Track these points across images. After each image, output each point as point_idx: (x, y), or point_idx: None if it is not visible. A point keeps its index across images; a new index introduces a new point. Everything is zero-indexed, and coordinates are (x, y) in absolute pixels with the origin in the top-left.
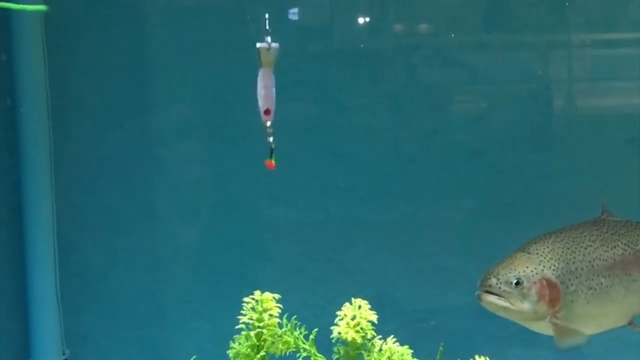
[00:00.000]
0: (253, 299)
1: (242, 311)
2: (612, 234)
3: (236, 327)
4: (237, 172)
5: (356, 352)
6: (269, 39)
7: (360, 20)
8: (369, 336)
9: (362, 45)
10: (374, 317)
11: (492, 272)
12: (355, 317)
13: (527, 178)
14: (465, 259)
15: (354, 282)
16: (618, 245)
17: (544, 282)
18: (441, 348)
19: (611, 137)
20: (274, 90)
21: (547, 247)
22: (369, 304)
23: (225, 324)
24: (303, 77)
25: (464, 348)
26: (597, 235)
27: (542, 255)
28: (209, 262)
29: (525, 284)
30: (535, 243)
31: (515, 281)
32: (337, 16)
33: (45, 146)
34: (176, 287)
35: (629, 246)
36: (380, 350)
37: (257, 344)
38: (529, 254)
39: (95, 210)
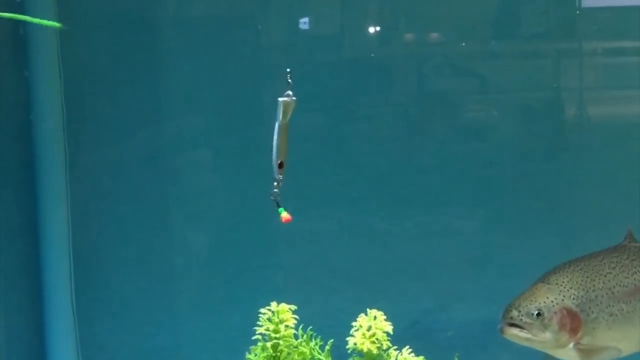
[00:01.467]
0: (269, 309)
1: (258, 322)
2: (632, 260)
3: (252, 337)
4: (250, 182)
5: None
6: (290, 92)
7: (371, 29)
8: (384, 347)
9: (372, 55)
10: (389, 328)
11: (514, 305)
12: (370, 327)
13: (541, 187)
14: (479, 269)
15: (367, 292)
16: (638, 272)
17: (565, 311)
18: (456, 358)
19: (624, 145)
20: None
21: (567, 276)
22: (383, 314)
23: (240, 334)
24: (314, 87)
25: (480, 359)
26: (616, 262)
27: (561, 285)
28: (223, 272)
29: (546, 314)
30: (555, 273)
31: (536, 312)
32: (348, 25)
33: (60, 157)
34: (191, 297)
35: None
36: None
37: (273, 354)
38: (548, 284)
39: (110, 220)
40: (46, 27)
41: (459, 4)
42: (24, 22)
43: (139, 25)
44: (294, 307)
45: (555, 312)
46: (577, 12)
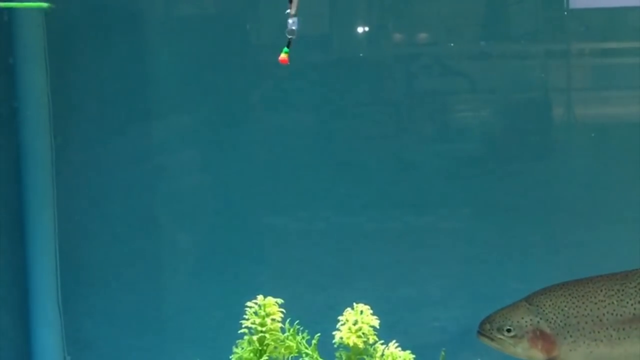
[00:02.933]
0: (256, 303)
1: (244, 316)
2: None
3: (239, 331)
4: (238, 180)
5: (358, 357)
6: None
7: (360, 29)
8: (370, 341)
9: (361, 54)
10: (375, 322)
11: (489, 318)
12: (357, 322)
13: (528, 186)
14: (466, 266)
15: (355, 289)
16: None
17: (538, 332)
18: (443, 353)
19: (610, 145)
20: None
21: (550, 299)
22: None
23: (227, 332)
24: (303, 85)
25: (466, 355)
26: (617, 289)
27: (541, 307)
28: (210, 269)
29: (517, 333)
30: (541, 294)
31: (507, 329)
32: (337, 25)
33: (47, 152)
34: (177, 295)
35: None
36: (382, 355)
37: (260, 348)
38: (529, 304)
39: (96, 217)
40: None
41: (447, 4)
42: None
43: (128, 22)
44: (280, 301)
45: (527, 332)
46: (565, 13)
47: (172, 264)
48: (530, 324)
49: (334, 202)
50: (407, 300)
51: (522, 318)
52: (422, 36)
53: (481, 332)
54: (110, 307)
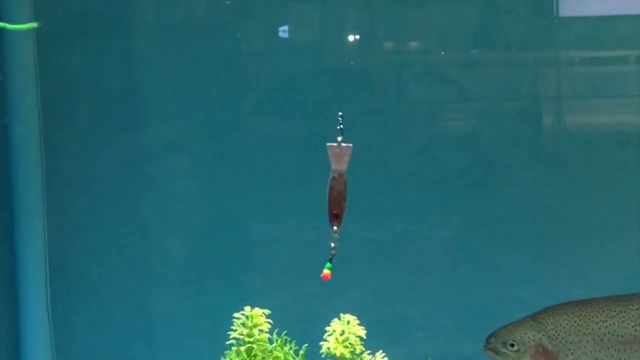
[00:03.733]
0: (243, 314)
1: (232, 327)
2: None
3: (226, 342)
4: (228, 189)
5: None
6: (340, 138)
7: (350, 37)
8: (357, 351)
9: (352, 63)
10: (362, 333)
11: (494, 333)
12: (344, 332)
13: (516, 194)
14: (455, 275)
15: (344, 299)
16: None
17: (540, 348)
18: None
19: (599, 154)
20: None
21: (554, 317)
22: (359, 320)
23: (215, 340)
24: (293, 94)
25: None
26: (619, 311)
27: (545, 325)
28: (200, 278)
29: (520, 348)
30: (545, 312)
31: (510, 343)
32: (327, 34)
33: (37, 162)
34: (167, 304)
35: None
36: None
37: (248, 359)
38: (534, 321)
39: (86, 226)
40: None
41: (438, 12)
42: None
43: (118, 31)
44: (267, 312)
45: (529, 347)
46: (555, 21)
47: (162, 274)
48: (533, 340)
49: (323, 212)
50: (395, 309)
51: (526, 334)
52: (413, 45)
53: (487, 346)
54: (100, 316)
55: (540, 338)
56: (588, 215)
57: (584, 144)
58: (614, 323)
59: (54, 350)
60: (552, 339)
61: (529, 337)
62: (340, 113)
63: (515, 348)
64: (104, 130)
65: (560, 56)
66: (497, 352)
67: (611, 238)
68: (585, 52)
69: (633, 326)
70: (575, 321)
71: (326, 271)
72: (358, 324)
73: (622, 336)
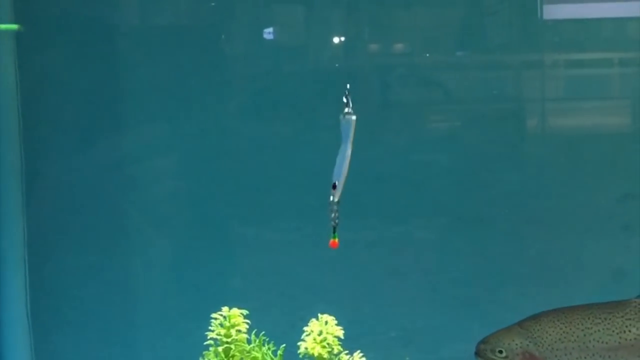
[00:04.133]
0: (221, 314)
1: (210, 327)
2: (627, 319)
3: (204, 343)
4: (210, 191)
5: None
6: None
7: (335, 39)
8: (335, 351)
9: (337, 65)
10: (340, 333)
11: (485, 339)
12: (321, 332)
13: (499, 196)
14: (437, 277)
15: (325, 300)
16: (630, 330)
17: (527, 355)
18: None
19: (582, 156)
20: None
21: (540, 325)
22: (338, 320)
23: (197, 342)
24: (277, 96)
25: None
26: (604, 318)
27: (532, 332)
28: (181, 280)
29: (508, 354)
30: (532, 319)
31: (499, 350)
32: (312, 36)
33: (17, 164)
34: (148, 305)
35: None
36: None
37: (226, 359)
38: (521, 328)
39: (66, 228)
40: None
41: (423, 15)
42: None
43: (100, 31)
44: (245, 312)
45: (517, 354)
46: (539, 24)
47: (142, 275)
48: (520, 347)
49: (306, 213)
50: (375, 310)
51: (513, 340)
52: (398, 47)
53: (477, 353)
54: (81, 318)
55: (527, 345)
56: (570, 216)
57: (566, 146)
58: (599, 330)
59: (33, 351)
60: (538, 346)
61: (516, 344)
62: (347, 85)
63: (504, 355)
64: (86, 132)
65: (544, 59)
66: (485, 358)
67: (592, 239)
68: (568, 55)
69: (618, 333)
70: (560, 328)
71: (334, 240)
72: (336, 324)
73: (607, 343)
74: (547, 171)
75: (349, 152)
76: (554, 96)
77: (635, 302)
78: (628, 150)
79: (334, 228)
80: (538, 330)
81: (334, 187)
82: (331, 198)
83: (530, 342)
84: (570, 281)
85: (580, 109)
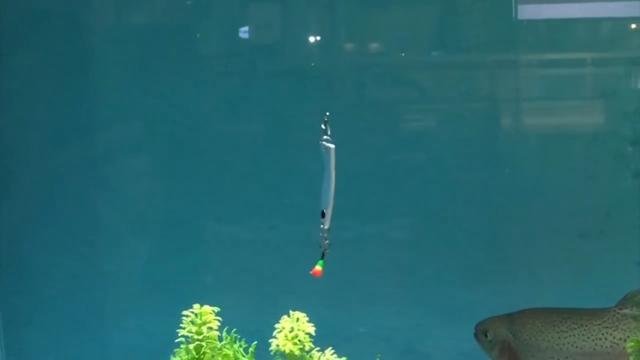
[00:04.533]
0: (192, 312)
1: (181, 324)
2: (604, 327)
3: (175, 340)
4: (184, 189)
5: None
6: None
7: (311, 38)
8: (306, 348)
9: (312, 64)
10: (311, 330)
11: (481, 321)
12: (293, 329)
13: (471, 195)
14: (409, 275)
15: (299, 298)
16: (606, 338)
17: (506, 344)
18: (378, 359)
19: (555, 155)
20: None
21: (522, 319)
22: (310, 318)
23: (169, 340)
24: (252, 94)
25: None
26: (581, 324)
27: (513, 324)
28: (154, 278)
29: (492, 339)
30: (520, 313)
31: (484, 334)
32: (288, 34)
33: None
34: (119, 304)
35: (625, 341)
36: None
37: (197, 357)
38: (509, 318)
39: (37, 226)
40: None
41: (398, 14)
42: None
43: (73, 29)
44: (216, 309)
45: (498, 341)
46: (514, 24)
47: (114, 273)
48: (501, 335)
49: (280, 211)
50: (348, 308)
51: (498, 328)
52: (373, 46)
53: (474, 332)
54: (51, 317)
55: (507, 335)
56: (542, 215)
57: (539, 145)
58: (574, 334)
59: (4, 350)
60: (516, 339)
61: (500, 332)
62: (327, 113)
63: (489, 338)
64: (58, 131)
65: (518, 58)
66: (477, 338)
67: (565, 237)
68: (543, 55)
69: (593, 340)
70: (537, 326)
71: (317, 267)
72: (307, 321)
73: (581, 348)
74: (521, 170)
75: (332, 179)
76: (528, 96)
77: (613, 311)
78: (601, 149)
79: (323, 254)
80: (519, 324)
81: (323, 215)
82: (321, 226)
83: (510, 333)
84: (543, 279)
85: (554, 108)
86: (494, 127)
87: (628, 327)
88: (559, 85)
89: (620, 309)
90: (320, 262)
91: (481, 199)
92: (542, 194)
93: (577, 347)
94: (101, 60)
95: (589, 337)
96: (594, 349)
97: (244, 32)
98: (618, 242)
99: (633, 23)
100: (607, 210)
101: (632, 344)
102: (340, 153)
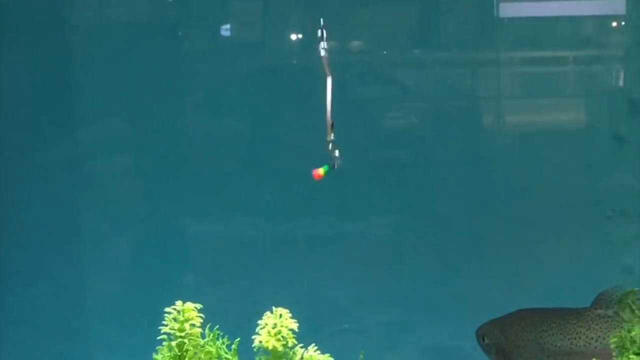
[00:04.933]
0: (175, 309)
1: (163, 322)
2: (580, 327)
3: (158, 337)
4: (164, 187)
5: None
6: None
7: (293, 36)
8: (290, 344)
9: (294, 62)
10: (294, 325)
11: (482, 325)
12: (276, 325)
13: (452, 191)
14: (391, 272)
15: (282, 295)
16: (580, 337)
17: (500, 347)
18: (361, 356)
19: (536, 152)
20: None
21: (511, 321)
22: (294, 314)
23: (151, 338)
24: (232, 92)
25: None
26: (559, 323)
27: (504, 326)
28: (136, 276)
29: (489, 342)
30: (509, 315)
31: (482, 337)
32: (270, 33)
33: None
34: (102, 302)
35: (597, 341)
36: (302, 358)
37: (179, 354)
38: (503, 320)
39: (18, 223)
40: None
41: (380, 12)
42: None
43: (55, 26)
44: (199, 306)
45: (494, 344)
46: (495, 22)
47: (97, 271)
48: (496, 339)
49: (262, 209)
50: (331, 304)
51: (493, 331)
52: (355, 44)
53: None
54: (34, 315)
55: (500, 337)
56: (524, 212)
57: (521, 142)
58: (553, 333)
59: None
60: (507, 340)
61: (495, 335)
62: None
63: (486, 342)
64: (39, 128)
65: (499, 56)
66: (478, 343)
67: (547, 235)
68: (524, 53)
69: (569, 339)
70: (522, 327)
71: (320, 171)
72: (290, 317)
73: (559, 347)
74: (503, 167)
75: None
76: (509, 93)
77: (587, 312)
78: (581, 146)
79: (334, 165)
80: (509, 325)
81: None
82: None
83: (502, 335)
84: (527, 275)
85: (535, 105)
86: (476, 125)
87: (600, 327)
88: (540, 82)
89: (595, 309)
90: (326, 167)
91: (463, 196)
92: (523, 191)
93: (556, 346)
94: (83, 58)
95: (565, 337)
96: (571, 348)
97: (225, 29)
98: (600, 238)
99: (614, 21)
100: (588, 208)
101: (615, 339)
102: (322, 152)
